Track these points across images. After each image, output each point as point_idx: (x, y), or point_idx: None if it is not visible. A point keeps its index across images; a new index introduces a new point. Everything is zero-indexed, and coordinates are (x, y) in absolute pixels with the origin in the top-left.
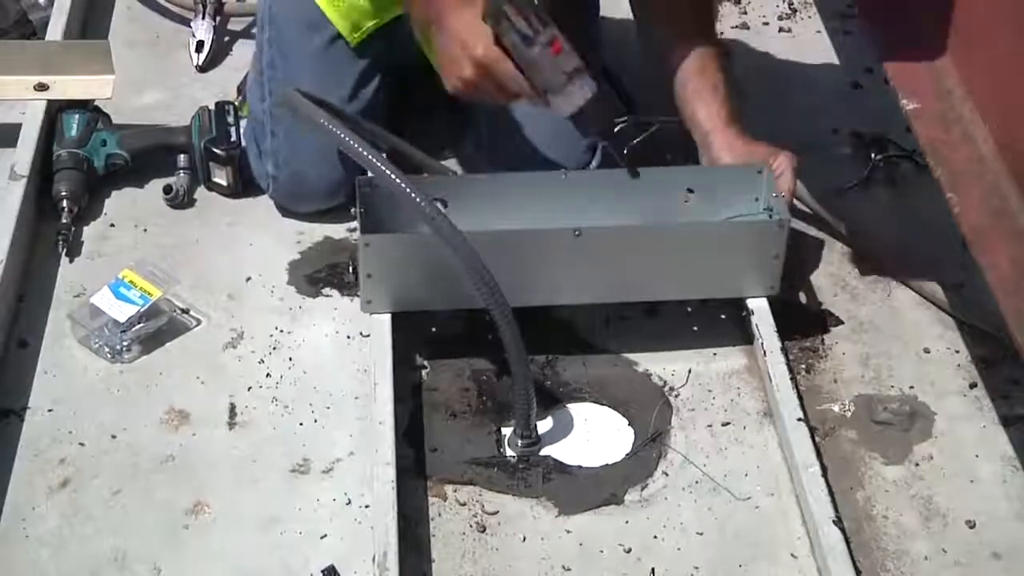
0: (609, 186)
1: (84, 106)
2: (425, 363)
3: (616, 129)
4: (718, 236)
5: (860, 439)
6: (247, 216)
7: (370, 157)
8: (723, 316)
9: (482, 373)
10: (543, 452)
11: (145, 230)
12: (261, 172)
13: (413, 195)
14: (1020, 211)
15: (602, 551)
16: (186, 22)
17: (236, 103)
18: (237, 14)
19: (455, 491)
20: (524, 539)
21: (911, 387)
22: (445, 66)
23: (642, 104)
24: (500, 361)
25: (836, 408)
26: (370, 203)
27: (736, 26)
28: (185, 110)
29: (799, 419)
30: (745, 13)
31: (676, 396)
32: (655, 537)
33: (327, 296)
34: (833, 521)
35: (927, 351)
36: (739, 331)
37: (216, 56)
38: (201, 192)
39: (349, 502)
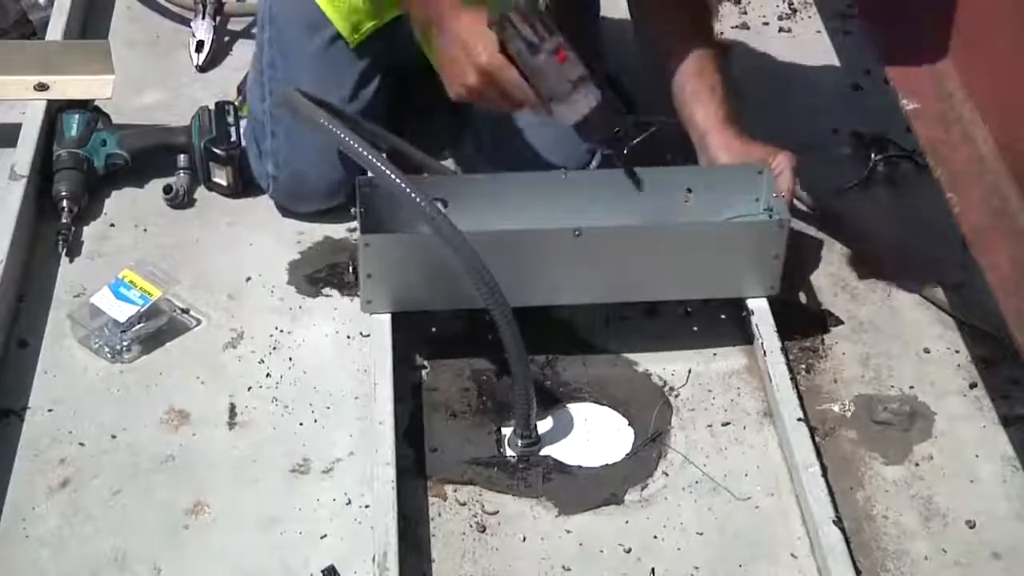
0: (609, 186)
1: (84, 106)
2: (425, 363)
3: (616, 136)
4: (718, 236)
5: (860, 439)
6: (247, 216)
7: (370, 157)
8: (723, 316)
9: (482, 373)
10: (543, 452)
11: (145, 230)
12: (261, 172)
13: (413, 195)
14: (1020, 211)
15: (602, 551)
16: (186, 22)
17: (236, 103)
18: (237, 14)
19: (455, 491)
20: (524, 539)
21: (911, 387)
22: (446, 68)
23: (642, 104)
24: (500, 361)
25: (836, 408)
26: (370, 203)
27: (736, 26)
28: (185, 110)
29: (799, 419)
30: (745, 13)
31: (676, 396)
32: (655, 537)
33: (327, 296)
34: (833, 521)
35: (927, 351)
36: (739, 331)
37: (216, 56)
38: (201, 192)
39: (349, 502)
